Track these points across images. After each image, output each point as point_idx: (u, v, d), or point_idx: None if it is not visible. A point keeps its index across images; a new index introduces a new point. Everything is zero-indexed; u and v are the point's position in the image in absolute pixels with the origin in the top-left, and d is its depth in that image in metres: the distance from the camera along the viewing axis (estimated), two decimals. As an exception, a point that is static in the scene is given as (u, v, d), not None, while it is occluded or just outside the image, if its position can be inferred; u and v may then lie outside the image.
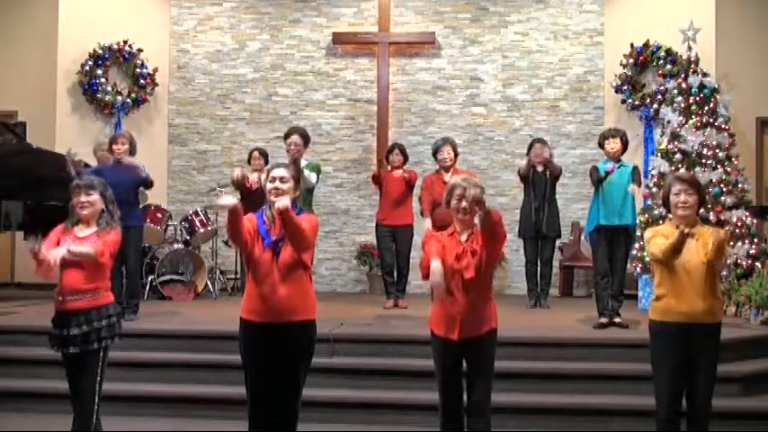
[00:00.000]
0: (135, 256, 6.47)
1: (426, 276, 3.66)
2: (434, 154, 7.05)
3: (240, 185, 7.39)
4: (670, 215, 3.99)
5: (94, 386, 3.84)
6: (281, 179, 3.67)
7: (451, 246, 3.73)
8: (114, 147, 6.41)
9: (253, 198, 6.94)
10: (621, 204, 6.13)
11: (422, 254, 3.77)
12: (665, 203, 3.96)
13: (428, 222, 6.66)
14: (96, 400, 3.84)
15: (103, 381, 3.89)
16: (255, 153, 7.69)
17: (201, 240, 8.49)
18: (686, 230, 3.66)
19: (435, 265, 3.54)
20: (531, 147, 7.55)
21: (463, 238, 3.75)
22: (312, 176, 6.24)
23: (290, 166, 3.84)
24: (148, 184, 6.54)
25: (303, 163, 6.30)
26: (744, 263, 7.05)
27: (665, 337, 3.83)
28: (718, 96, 7.70)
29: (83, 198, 3.92)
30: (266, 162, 7.52)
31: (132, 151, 6.46)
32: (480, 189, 3.79)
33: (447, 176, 6.64)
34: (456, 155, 6.98)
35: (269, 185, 3.69)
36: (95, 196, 3.94)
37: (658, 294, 3.87)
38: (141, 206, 8.21)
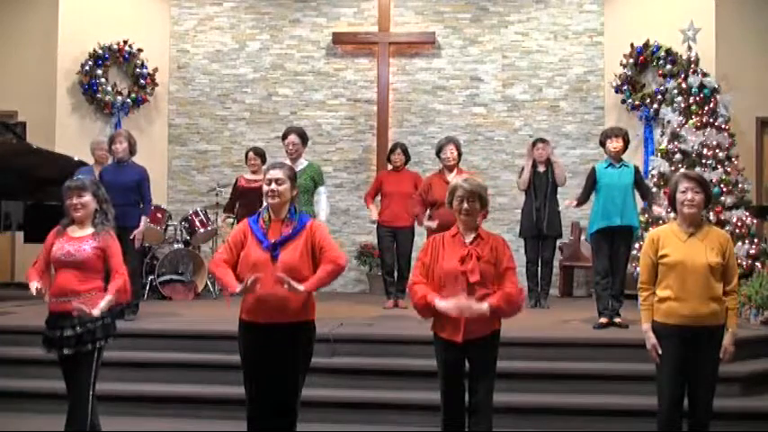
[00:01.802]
0: (134, 257, 6.44)
1: (419, 308, 3.69)
2: (438, 153, 7.03)
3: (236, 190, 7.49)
4: (672, 214, 3.97)
5: (88, 387, 3.83)
6: (277, 181, 3.66)
7: (455, 248, 3.72)
8: (113, 147, 6.39)
9: (249, 198, 6.94)
10: (622, 205, 6.12)
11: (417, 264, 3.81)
12: (671, 201, 3.93)
13: (427, 222, 6.65)
14: (90, 400, 3.83)
15: (97, 381, 3.89)
16: (251, 153, 7.66)
17: (201, 240, 8.49)
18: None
19: (445, 306, 3.59)
20: (532, 147, 7.54)
21: (468, 239, 3.74)
22: (322, 211, 6.20)
23: (285, 166, 3.81)
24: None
25: (304, 163, 6.29)
26: (744, 263, 7.05)
27: (667, 338, 3.81)
28: (718, 96, 7.70)
29: (75, 200, 3.91)
30: (263, 162, 7.51)
31: (132, 150, 6.43)
32: (484, 189, 3.79)
33: (450, 176, 6.63)
34: (460, 154, 6.96)
35: (265, 188, 3.68)
36: (87, 197, 3.93)
37: (661, 296, 3.84)
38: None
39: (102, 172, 6.38)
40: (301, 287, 3.50)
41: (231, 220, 7.71)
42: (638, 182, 6.28)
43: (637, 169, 6.31)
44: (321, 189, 6.24)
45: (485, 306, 3.58)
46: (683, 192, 3.81)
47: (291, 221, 3.68)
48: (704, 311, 3.74)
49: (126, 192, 6.08)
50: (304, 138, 6.33)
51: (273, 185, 3.65)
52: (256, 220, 3.72)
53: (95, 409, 4.09)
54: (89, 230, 3.93)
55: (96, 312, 3.77)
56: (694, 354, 3.78)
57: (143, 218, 6.37)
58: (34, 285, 3.83)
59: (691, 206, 3.80)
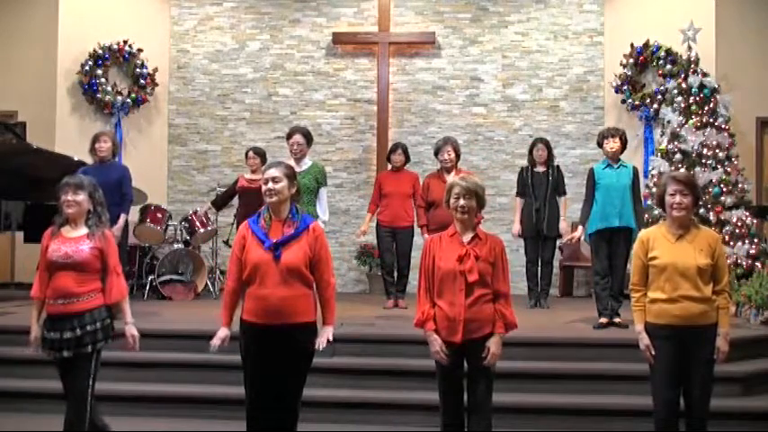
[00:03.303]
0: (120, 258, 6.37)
1: (417, 326, 3.78)
2: (436, 154, 7.02)
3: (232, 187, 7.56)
4: (665, 215, 3.98)
5: (88, 389, 3.81)
6: (274, 179, 3.65)
7: (453, 247, 3.72)
8: (97, 145, 6.38)
9: (250, 198, 6.94)
10: (621, 205, 6.11)
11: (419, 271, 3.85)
12: (660, 203, 3.93)
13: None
14: (90, 401, 3.82)
15: (96, 382, 3.88)
16: (251, 153, 7.66)
17: (201, 240, 8.49)
18: None
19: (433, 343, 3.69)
20: (532, 147, 7.55)
21: (466, 239, 3.74)
22: (324, 212, 6.23)
23: (282, 164, 3.80)
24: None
25: (308, 163, 6.28)
26: (744, 263, 7.05)
27: (659, 338, 3.82)
28: (718, 96, 7.70)
29: (70, 197, 3.88)
30: (263, 162, 7.51)
31: (114, 151, 6.45)
32: (481, 188, 3.79)
33: (448, 177, 6.62)
34: (458, 155, 6.94)
35: (263, 187, 3.67)
36: (83, 196, 3.90)
37: (652, 297, 3.85)
38: (141, 206, 8.24)
39: (86, 171, 6.34)
40: (329, 328, 3.71)
41: (208, 205, 8.05)
42: (633, 185, 6.21)
43: (635, 171, 6.27)
44: (322, 190, 6.24)
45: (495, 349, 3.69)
46: (672, 195, 3.81)
47: (294, 222, 3.66)
48: (695, 312, 3.74)
49: (110, 191, 6.04)
50: (309, 138, 6.32)
51: (270, 184, 3.64)
52: (256, 220, 3.71)
53: (98, 410, 4.09)
54: (83, 231, 3.89)
55: (130, 320, 3.96)
56: (687, 354, 3.78)
57: (122, 216, 6.30)
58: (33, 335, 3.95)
59: (679, 209, 3.80)
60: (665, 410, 3.82)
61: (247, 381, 3.67)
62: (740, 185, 7.49)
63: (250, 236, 3.64)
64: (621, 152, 6.30)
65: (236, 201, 7.74)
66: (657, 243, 3.85)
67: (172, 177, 9.77)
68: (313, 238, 3.66)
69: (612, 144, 6.22)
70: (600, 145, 6.36)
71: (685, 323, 3.75)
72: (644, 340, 3.88)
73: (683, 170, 7.19)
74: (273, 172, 3.67)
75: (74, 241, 3.85)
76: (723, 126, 7.64)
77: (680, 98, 7.81)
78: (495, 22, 9.66)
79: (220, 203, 8.09)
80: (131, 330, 3.92)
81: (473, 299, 3.65)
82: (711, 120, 7.62)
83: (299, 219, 3.68)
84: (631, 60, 9.03)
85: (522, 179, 7.54)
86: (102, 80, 9.27)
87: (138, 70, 9.41)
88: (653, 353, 3.84)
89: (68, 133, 9.13)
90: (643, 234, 3.98)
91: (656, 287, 3.84)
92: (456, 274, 3.66)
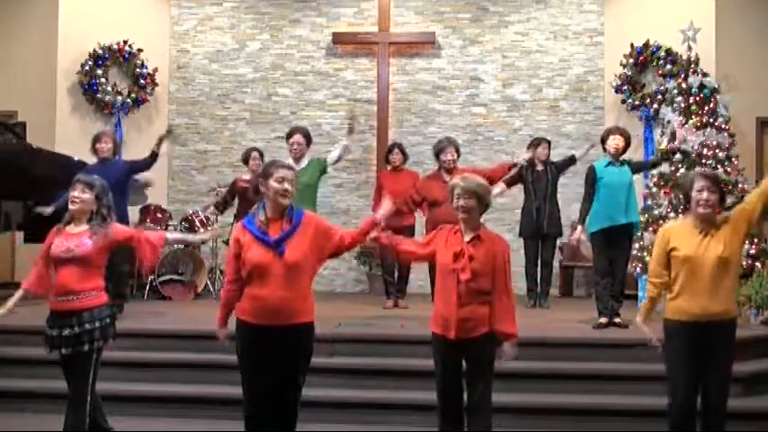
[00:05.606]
0: (120, 256, 6.35)
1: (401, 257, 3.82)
2: (437, 154, 6.99)
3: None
4: (680, 216, 3.96)
5: (86, 388, 3.81)
6: (291, 181, 3.65)
7: (453, 243, 3.75)
8: (98, 145, 6.40)
9: (250, 198, 6.95)
10: (625, 202, 6.12)
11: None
12: (686, 199, 3.88)
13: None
14: (89, 401, 3.82)
15: (96, 382, 3.88)
16: (255, 153, 7.67)
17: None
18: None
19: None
20: (537, 145, 7.55)
21: (467, 238, 3.75)
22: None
23: (292, 167, 3.80)
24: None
25: (306, 162, 6.29)
26: (744, 263, 7.04)
27: (679, 335, 3.78)
28: (718, 96, 7.69)
29: (77, 193, 3.92)
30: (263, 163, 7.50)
31: (115, 151, 6.48)
32: (482, 187, 3.80)
33: (447, 177, 6.61)
34: (458, 155, 6.95)
35: (276, 186, 3.63)
36: (89, 195, 3.94)
37: (672, 293, 3.84)
38: (141, 206, 8.24)
39: (88, 170, 6.33)
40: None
41: (212, 209, 7.97)
42: (635, 165, 6.41)
43: (629, 162, 6.39)
44: (329, 159, 6.48)
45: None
46: (699, 191, 3.77)
47: (290, 217, 3.67)
48: (713, 310, 3.71)
49: (112, 190, 6.04)
50: (309, 138, 6.32)
51: (287, 185, 3.63)
52: (251, 221, 3.68)
53: (101, 409, 4.09)
54: (85, 227, 3.93)
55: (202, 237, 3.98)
56: (707, 351, 3.74)
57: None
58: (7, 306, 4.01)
59: (705, 206, 3.76)
60: (680, 407, 3.78)
61: (245, 381, 3.65)
62: (740, 185, 7.48)
63: (247, 237, 3.61)
64: (624, 152, 6.32)
65: (235, 202, 7.73)
66: (680, 236, 3.82)
67: (172, 177, 9.77)
68: (313, 228, 3.66)
69: (617, 141, 6.24)
70: (603, 142, 6.37)
71: (704, 320, 3.71)
72: (645, 334, 3.95)
73: (704, 169, 7.18)
74: (290, 173, 3.66)
75: (76, 236, 3.89)
76: (723, 126, 7.64)
77: (680, 98, 7.80)
78: (495, 22, 9.66)
79: (223, 207, 8.01)
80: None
81: (466, 299, 3.66)
82: (711, 120, 7.61)
83: (293, 214, 3.68)
84: (631, 60, 9.03)
85: (524, 172, 7.51)
86: (102, 80, 9.27)
87: (138, 70, 9.41)
88: (659, 338, 3.87)
89: (68, 133, 9.13)
90: (664, 228, 3.97)
91: (676, 282, 3.80)
92: (450, 271, 3.68)
